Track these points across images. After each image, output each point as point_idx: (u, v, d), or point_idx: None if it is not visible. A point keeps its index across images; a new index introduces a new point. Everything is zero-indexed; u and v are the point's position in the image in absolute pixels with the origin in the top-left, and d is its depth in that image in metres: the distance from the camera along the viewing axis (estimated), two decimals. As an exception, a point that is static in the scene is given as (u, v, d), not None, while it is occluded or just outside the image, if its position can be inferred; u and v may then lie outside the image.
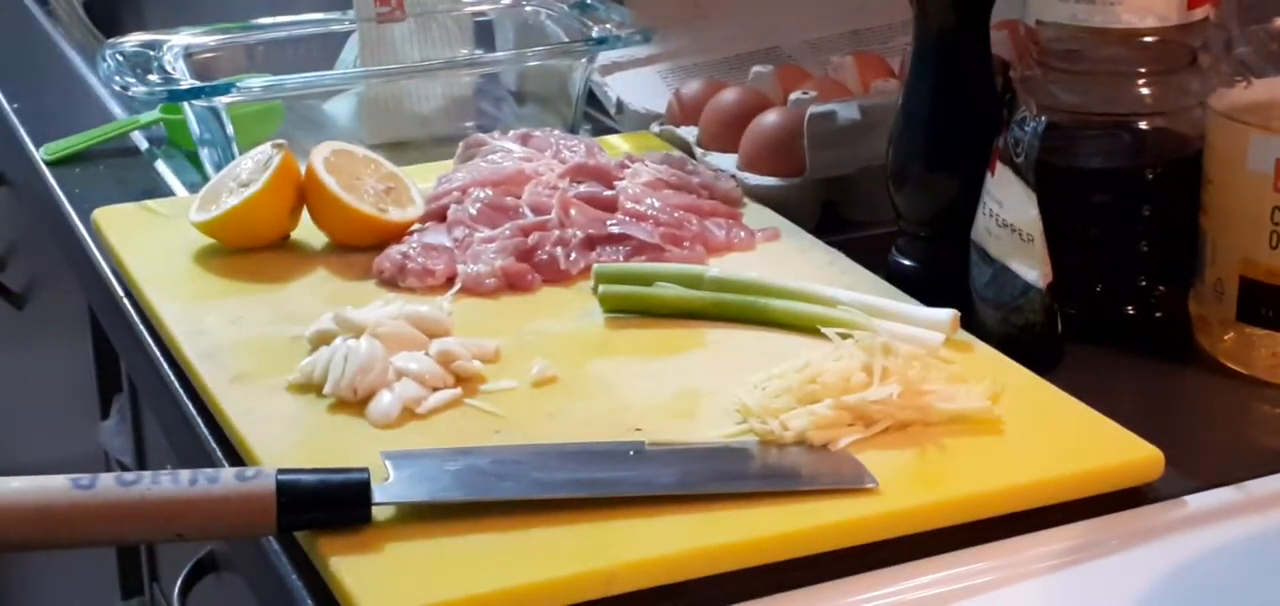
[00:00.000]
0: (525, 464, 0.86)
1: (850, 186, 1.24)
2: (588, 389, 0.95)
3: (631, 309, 1.04)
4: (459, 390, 0.94)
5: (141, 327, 1.08)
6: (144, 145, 1.43)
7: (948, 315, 0.98)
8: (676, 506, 0.82)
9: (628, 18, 1.39)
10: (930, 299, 1.01)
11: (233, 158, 1.23)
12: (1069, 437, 0.89)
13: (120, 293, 1.13)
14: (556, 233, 1.11)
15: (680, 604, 0.79)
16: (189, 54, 1.37)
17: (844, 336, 0.95)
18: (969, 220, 1.03)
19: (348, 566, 0.79)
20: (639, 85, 1.46)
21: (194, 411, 0.98)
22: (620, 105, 1.44)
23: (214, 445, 0.93)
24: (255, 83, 1.31)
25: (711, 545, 0.80)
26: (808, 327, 1.00)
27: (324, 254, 1.14)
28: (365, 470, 0.82)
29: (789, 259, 1.12)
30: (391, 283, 1.09)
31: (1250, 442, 0.95)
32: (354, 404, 0.93)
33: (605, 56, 1.44)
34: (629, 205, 1.15)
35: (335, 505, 0.81)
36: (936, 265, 1.09)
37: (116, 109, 1.51)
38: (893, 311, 0.99)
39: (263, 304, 1.07)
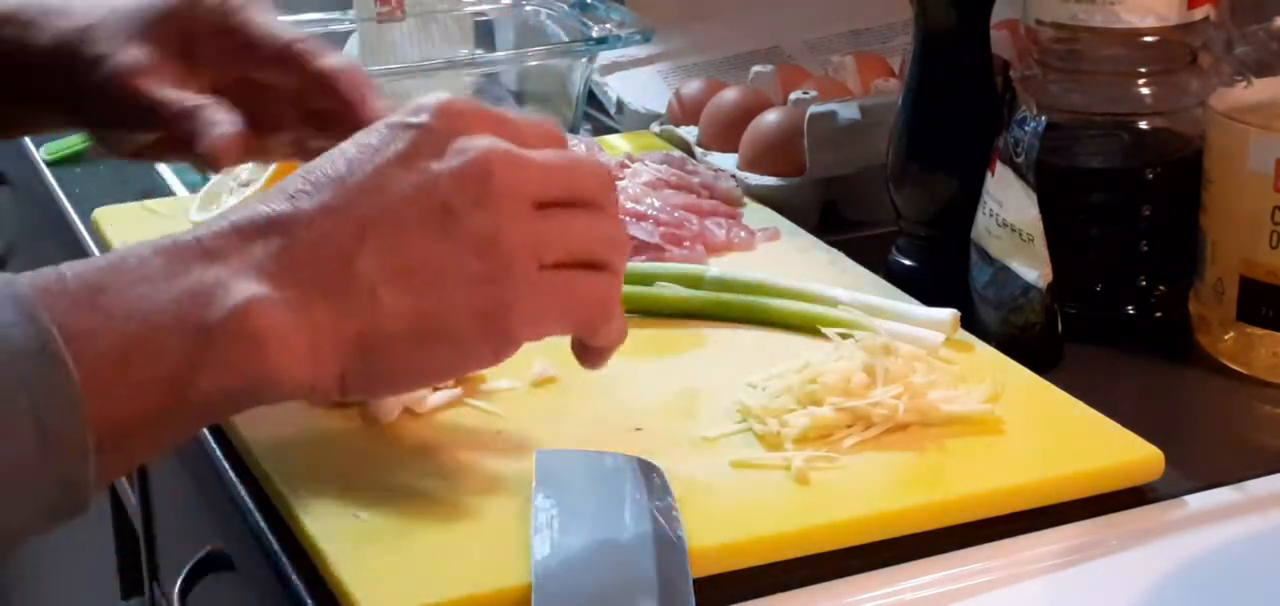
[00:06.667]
0: None
1: (850, 186, 1.24)
2: (588, 389, 0.95)
3: (631, 309, 1.04)
4: (459, 390, 0.94)
5: (141, 327, 1.08)
6: (144, 145, 1.42)
7: (948, 315, 0.98)
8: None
9: (628, 18, 1.39)
10: (930, 299, 1.01)
11: (233, 157, 1.23)
12: (1069, 437, 0.89)
13: (120, 292, 1.13)
14: (556, 232, 1.11)
15: (680, 603, 0.79)
16: (189, 54, 1.37)
17: (844, 336, 0.95)
18: (969, 220, 1.03)
19: (348, 566, 0.79)
20: (639, 85, 1.46)
21: (194, 411, 0.97)
22: (620, 105, 1.44)
23: (213, 444, 0.93)
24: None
25: (712, 544, 0.80)
26: (808, 327, 1.00)
27: (324, 254, 1.14)
28: None
29: (789, 259, 1.12)
30: (391, 282, 1.09)
31: (1250, 442, 0.95)
32: (354, 403, 0.93)
33: (605, 56, 1.44)
34: (629, 205, 1.14)
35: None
36: (936, 265, 1.09)
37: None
38: (893, 311, 0.99)
39: (263, 304, 1.07)
